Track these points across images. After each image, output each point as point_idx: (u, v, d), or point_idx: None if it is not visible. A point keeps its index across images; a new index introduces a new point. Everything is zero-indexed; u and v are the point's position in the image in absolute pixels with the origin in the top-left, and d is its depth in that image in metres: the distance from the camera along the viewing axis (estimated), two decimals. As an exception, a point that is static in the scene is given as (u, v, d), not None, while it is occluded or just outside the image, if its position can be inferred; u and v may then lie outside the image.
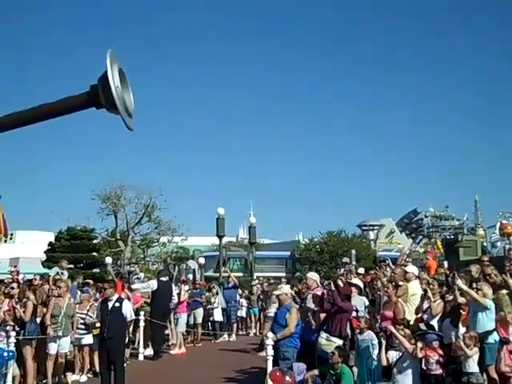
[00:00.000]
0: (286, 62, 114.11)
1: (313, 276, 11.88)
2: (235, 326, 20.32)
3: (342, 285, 10.49)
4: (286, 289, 11.48)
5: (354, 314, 10.16)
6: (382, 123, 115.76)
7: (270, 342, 10.27)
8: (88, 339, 12.48)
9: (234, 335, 19.73)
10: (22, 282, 14.06)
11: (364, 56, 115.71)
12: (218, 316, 19.66)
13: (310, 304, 10.70)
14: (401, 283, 10.53)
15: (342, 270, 20.46)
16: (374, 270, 14.53)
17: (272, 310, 17.55)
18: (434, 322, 9.35)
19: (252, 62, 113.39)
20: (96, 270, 39.64)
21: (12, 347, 10.50)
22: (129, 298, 13.29)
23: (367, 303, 11.51)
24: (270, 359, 10.20)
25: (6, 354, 10.06)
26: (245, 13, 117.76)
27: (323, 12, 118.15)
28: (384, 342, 8.81)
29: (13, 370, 10.47)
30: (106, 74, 3.66)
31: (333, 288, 10.31)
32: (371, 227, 53.67)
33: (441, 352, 8.33)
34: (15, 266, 22.28)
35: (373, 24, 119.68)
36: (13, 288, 12.15)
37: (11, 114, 3.99)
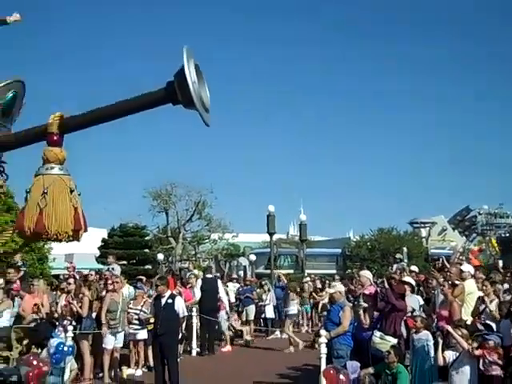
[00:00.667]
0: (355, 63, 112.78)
1: (366, 274, 11.79)
2: (287, 322, 20.25)
3: (395, 283, 10.37)
4: (339, 287, 11.44)
5: (408, 313, 10.03)
6: (432, 119, 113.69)
7: (323, 339, 10.23)
8: (142, 334, 12.67)
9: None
10: (78, 277, 14.31)
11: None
12: (269, 313, 19.66)
13: (363, 302, 10.59)
14: (457, 282, 10.33)
15: (395, 266, 20.24)
16: (429, 269, 14.31)
17: (291, 308, 17.59)
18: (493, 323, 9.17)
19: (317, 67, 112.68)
20: (148, 267, 40.13)
21: (70, 341, 10.69)
22: (181, 294, 13.42)
23: (422, 302, 11.36)
24: (324, 357, 10.16)
25: (66, 348, 10.25)
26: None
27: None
28: (441, 341, 8.65)
29: (71, 364, 10.67)
30: (182, 70, 3.67)
31: (386, 286, 10.21)
32: (423, 224, 52.85)
33: (500, 352, 8.12)
34: (71, 262, 22.77)
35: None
36: (69, 284, 12.38)
37: (91, 112, 4.05)
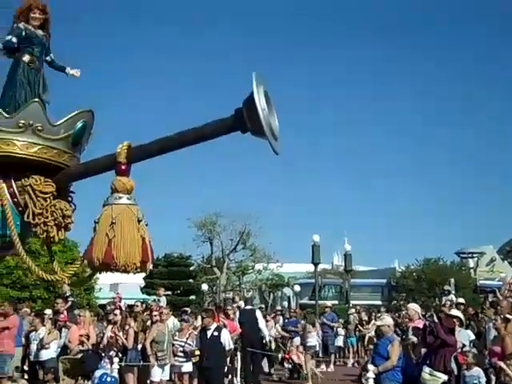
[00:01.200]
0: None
1: (414, 307, 11.60)
2: (333, 355, 20.03)
3: (444, 316, 10.21)
4: (388, 320, 11.22)
5: (458, 348, 9.84)
6: (482, 144, 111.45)
7: (371, 374, 10.06)
8: (187, 367, 12.55)
9: (331, 365, 19.44)
10: (123, 308, 14.40)
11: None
12: (314, 345, 19.42)
13: (412, 336, 10.43)
14: (509, 316, 10.11)
15: (444, 299, 19.86)
16: (478, 301, 14.01)
17: (310, 340, 17.23)
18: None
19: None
20: (192, 297, 40.18)
21: (115, 373, 10.70)
22: (225, 326, 13.36)
23: (473, 337, 11.11)
24: (372, 392, 9.99)
25: (109, 378, 10.24)
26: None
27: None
28: (494, 378, 8.47)
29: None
30: (251, 97, 3.71)
31: (435, 320, 10.04)
32: (470, 255, 51.60)
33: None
34: (117, 293, 22.95)
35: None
36: (115, 315, 12.45)
37: (159, 141, 4.15)
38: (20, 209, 4.24)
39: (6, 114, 4.18)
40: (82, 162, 4.48)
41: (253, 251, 46.69)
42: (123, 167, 4.09)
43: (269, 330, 17.28)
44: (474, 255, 51.35)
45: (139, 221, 4.02)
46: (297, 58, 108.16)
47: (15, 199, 4.24)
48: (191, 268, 43.76)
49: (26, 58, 4.58)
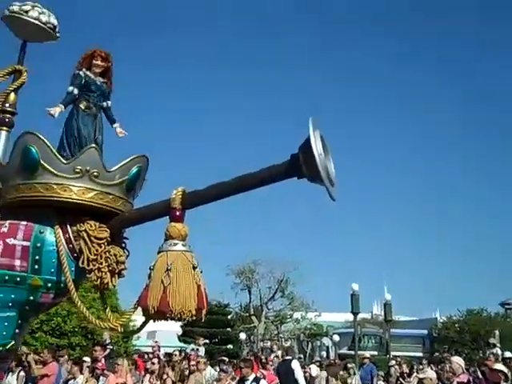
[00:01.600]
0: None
1: (458, 361, 11.18)
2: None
3: (488, 371, 9.83)
4: (430, 373, 10.94)
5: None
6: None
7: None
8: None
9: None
10: (162, 357, 14.26)
11: None
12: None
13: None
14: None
15: (488, 352, 19.24)
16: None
17: None
18: None
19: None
20: (230, 346, 39.75)
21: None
22: (264, 377, 13.09)
23: (521, 394, 10.63)
24: None
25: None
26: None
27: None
28: None
29: None
30: (308, 142, 3.62)
31: (479, 375, 9.68)
32: (515, 306, 50.28)
33: None
34: (156, 342, 22.77)
35: None
36: (153, 363, 12.35)
37: (214, 186, 4.09)
38: (75, 255, 4.20)
39: (63, 160, 4.17)
40: (136, 208, 4.44)
41: (291, 300, 46.31)
42: (178, 213, 4.04)
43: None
44: (519, 306, 49.96)
45: (194, 267, 3.94)
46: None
47: (70, 245, 4.20)
48: (229, 316, 43.42)
49: (83, 104, 4.61)
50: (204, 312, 3.97)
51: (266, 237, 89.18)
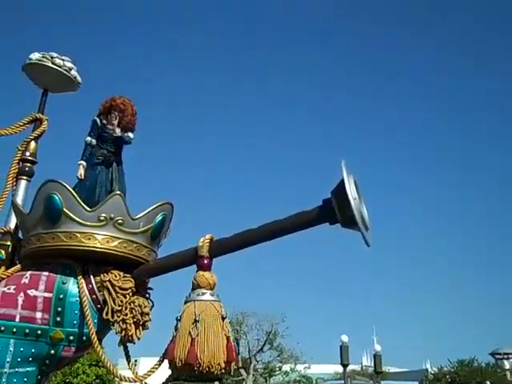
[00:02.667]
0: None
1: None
2: None
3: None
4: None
5: None
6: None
7: None
8: None
9: None
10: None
11: None
12: None
13: None
14: None
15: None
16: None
17: None
18: None
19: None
20: (217, 400, 38.90)
21: None
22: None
23: None
24: None
25: None
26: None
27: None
28: None
29: None
30: (342, 186, 3.51)
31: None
32: (506, 356, 49.74)
33: None
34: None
35: None
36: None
37: (242, 233, 3.96)
38: (98, 306, 4.04)
39: (87, 208, 4.06)
40: (162, 257, 4.31)
41: (280, 352, 45.68)
42: (206, 261, 3.93)
43: None
44: (510, 356, 49.48)
45: (223, 318, 3.82)
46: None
47: (94, 296, 4.04)
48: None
49: (98, 153, 4.52)
50: (233, 365, 3.83)
51: (254, 289, 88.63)
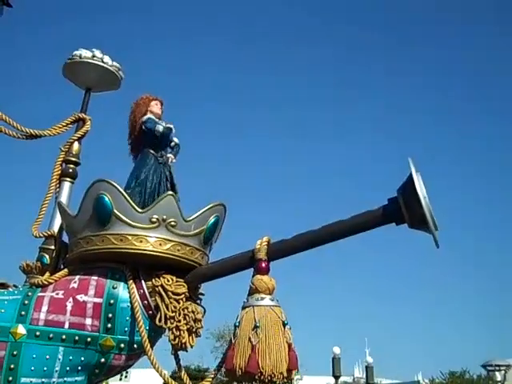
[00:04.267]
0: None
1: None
2: None
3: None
4: None
5: None
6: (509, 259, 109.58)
7: None
8: None
9: None
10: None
11: None
12: None
13: None
14: None
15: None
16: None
17: None
18: None
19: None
20: (209, 413, 38.45)
21: None
22: None
23: None
24: None
25: None
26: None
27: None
28: None
29: None
30: (409, 184, 3.34)
31: None
32: (497, 367, 49.70)
33: None
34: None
35: None
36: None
37: (302, 235, 3.76)
38: (150, 312, 3.86)
39: (139, 209, 3.88)
40: (215, 261, 4.13)
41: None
42: (264, 265, 3.77)
43: None
44: (502, 368, 49.42)
45: (284, 324, 3.64)
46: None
47: (145, 301, 3.85)
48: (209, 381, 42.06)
49: (155, 151, 4.38)
50: (294, 373, 3.66)
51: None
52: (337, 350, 28.98)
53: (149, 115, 4.48)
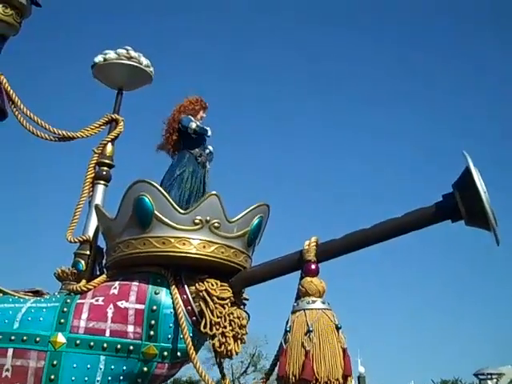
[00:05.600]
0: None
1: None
2: None
3: None
4: None
5: None
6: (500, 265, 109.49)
7: None
8: None
9: None
10: None
11: None
12: None
13: None
14: None
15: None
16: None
17: None
18: None
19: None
20: (202, 425, 38.13)
21: None
22: None
23: None
24: None
25: None
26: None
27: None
28: None
29: None
30: (468, 179, 3.22)
31: None
32: (489, 376, 49.70)
33: None
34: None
35: None
36: None
37: (352, 234, 3.59)
38: (193, 318, 3.68)
39: (181, 210, 3.71)
40: (260, 264, 3.96)
41: (263, 374, 45.01)
42: (313, 266, 3.64)
43: None
44: (493, 376, 49.46)
45: (338, 328, 3.49)
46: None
47: (189, 307, 3.67)
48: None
49: (196, 151, 4.25)
50: (350, 379, 3.50)
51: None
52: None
53: (187, 116, 4.37)
